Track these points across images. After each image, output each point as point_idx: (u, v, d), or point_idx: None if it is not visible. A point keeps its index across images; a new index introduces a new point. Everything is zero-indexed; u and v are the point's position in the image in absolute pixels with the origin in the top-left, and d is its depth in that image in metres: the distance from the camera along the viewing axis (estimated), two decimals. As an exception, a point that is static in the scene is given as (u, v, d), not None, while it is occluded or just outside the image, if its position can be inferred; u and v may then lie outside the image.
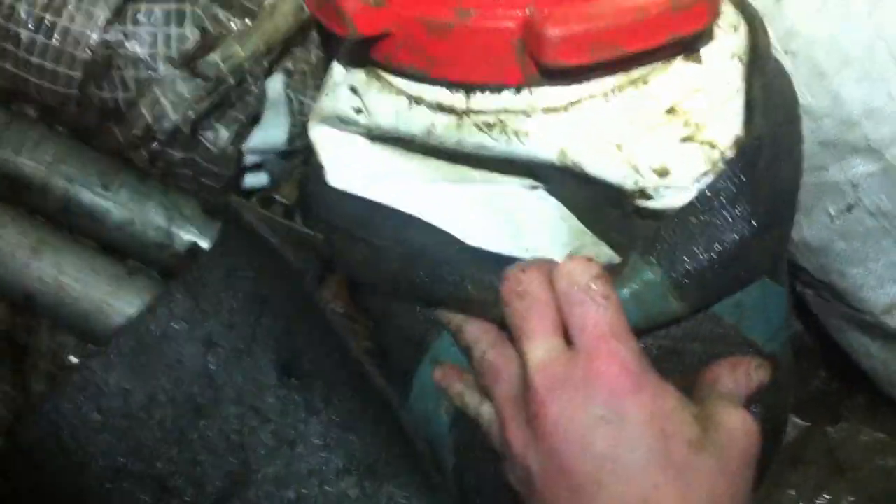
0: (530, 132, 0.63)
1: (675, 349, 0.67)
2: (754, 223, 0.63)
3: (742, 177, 0.63)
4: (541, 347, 0.62)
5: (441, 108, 0.66)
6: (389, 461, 0.76)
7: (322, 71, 0.92)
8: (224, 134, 0.89)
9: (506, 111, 0.64)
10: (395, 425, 0.75)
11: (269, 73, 0.90)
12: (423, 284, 0.68)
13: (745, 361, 0.67)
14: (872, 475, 0.86)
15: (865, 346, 0.87)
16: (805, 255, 0.85)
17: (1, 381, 0.93)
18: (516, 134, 0.63)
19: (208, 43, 0.86)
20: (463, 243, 0.70)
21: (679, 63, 0.64)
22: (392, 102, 0.68)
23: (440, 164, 0.71)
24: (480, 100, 0.64)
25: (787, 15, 0.76)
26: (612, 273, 0.63)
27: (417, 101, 0.67)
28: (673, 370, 0.66)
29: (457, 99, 0.65)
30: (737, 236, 0.63)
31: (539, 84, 0.63)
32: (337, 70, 0.73)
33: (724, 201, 0.63)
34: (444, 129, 0.66)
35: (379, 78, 0.69)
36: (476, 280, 0.67)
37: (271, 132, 0.92)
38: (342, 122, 0.72)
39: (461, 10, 0.61)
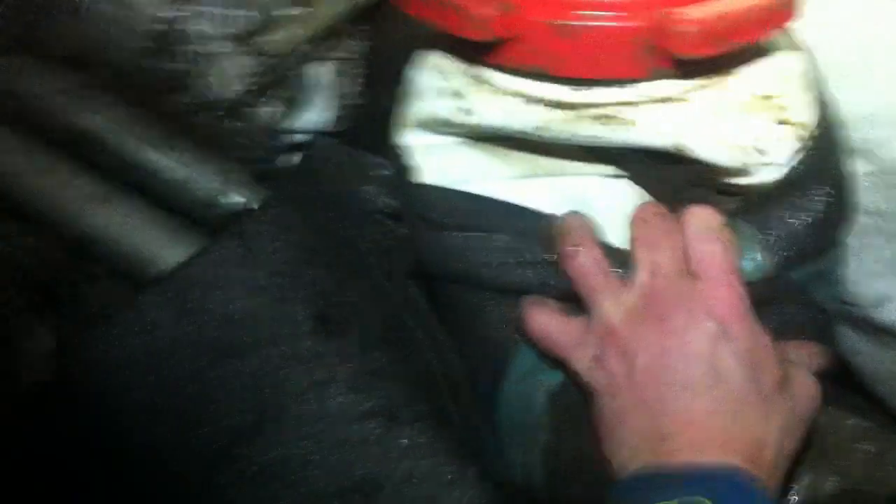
0: (644, 122, 0.71)
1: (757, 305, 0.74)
2: (832, 195, 0.74)
3: (822, 154, 0.74)
4: (672, 263, 0.70)
5: (556, 104, 0.72)
6: (414, 408, 0.80)
7: (368, 63, 0.99)
8: (276, 109, 0.96)
9: (621, 103, 0.71)
10: (424, 377, 0.81)
11: (320, 58, 0.97)
12: (531, 265, 0.74)
13: (810, 345, 0.77)
14: (856, 460, 0.89)
15: (853, 340, 0.92)
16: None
17: (50, 323, 0.95)
18: (631, 123, 0.71)
19: (270, 24, 0.93)
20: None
21: (767, 56, 0.74)
22: (503, 102, 0.73)
23: (526, 158, 0.77)
24: (596, 94, 0.71)
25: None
26: None
27: (531, 99, 0.72)
28: None
29: (572, 95, 0.72)
30: (820, 205, 0.73)
31: (655, 78, 0.71)
32: (426, 77, 0.78)
33: (811, 174, 0.73)
34: (557, 124, 0.72)
35: (485, 80, 0.74)
36: None
37: (319, 114, 0.98)
38: (442, 126, 0.77)
39: (591, 13, 0.68)
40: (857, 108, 0.82)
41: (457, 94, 0.75)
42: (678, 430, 0.65)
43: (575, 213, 0.75)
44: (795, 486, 0.82)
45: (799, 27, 0.81)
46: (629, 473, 0.66)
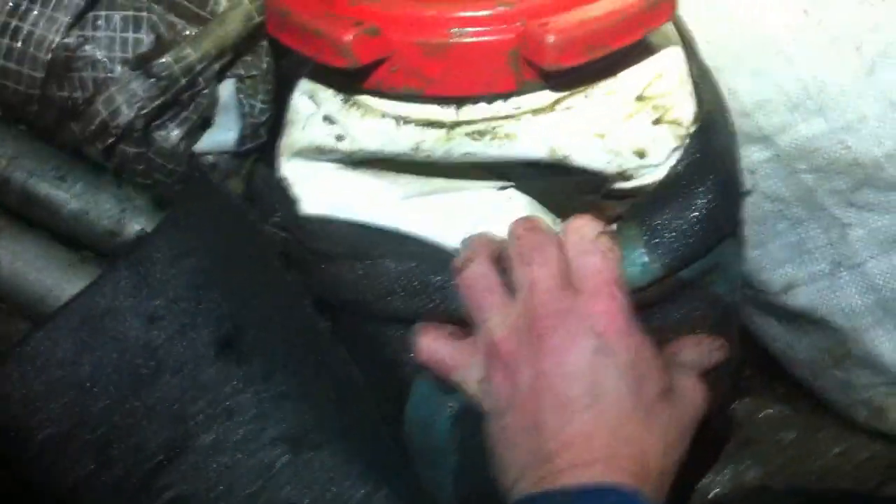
0: (520, 134, 0.70)
1: (650, 306, 0.73)
2: (718, 187, 0.72)
3: (704, 147, 0.72)
4: (550, 278, 0.68)
5: (430, 123, 0.70)
6: (323, 433, 0.80)
7: (271, 79, 0.97)
8: (175, 132, 0.93)
9: (496, 118, 0.70)
10: (333, 399, 0.80)
11: (220, 77, 0.95)
12: (419, 291, 0.72)
13: (706, 340, 0.75)
14: (775, 448, 0.90)
15: (769, 327, 0.92)
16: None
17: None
18: (507, 137, 0.69)
19: (162, 46, 0.91)
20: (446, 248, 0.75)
21: (648, 55, 0.73)
22: (377, 125, 0.72)
23: (411, 178, 0.75)
24: (470, 111, 0.70)
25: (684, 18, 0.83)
26: None
27: (405, 120, 0.71)
28: (649, 327, 0.72)
29: (446, 113, 0.71)
30: (705, 200, 0.71)
31: (528, 90, 0.69)
32: (302, 104, 0.77)
33: (693, 171, 0.71)
34: (432, 143, 0.71)
35: (357, 104, 0.73)
36: None
37: (223, 134, 0.96)
38: (318, 153, 0.75)
39: (457, 31, 0.66)
40: (752, 96, 0.81)
41: (329, 120, 0.73)
42: (560, 450, 0.64)
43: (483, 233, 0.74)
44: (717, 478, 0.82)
45: (688, 18, 0.80)
46: (514, 497, 0.65)
